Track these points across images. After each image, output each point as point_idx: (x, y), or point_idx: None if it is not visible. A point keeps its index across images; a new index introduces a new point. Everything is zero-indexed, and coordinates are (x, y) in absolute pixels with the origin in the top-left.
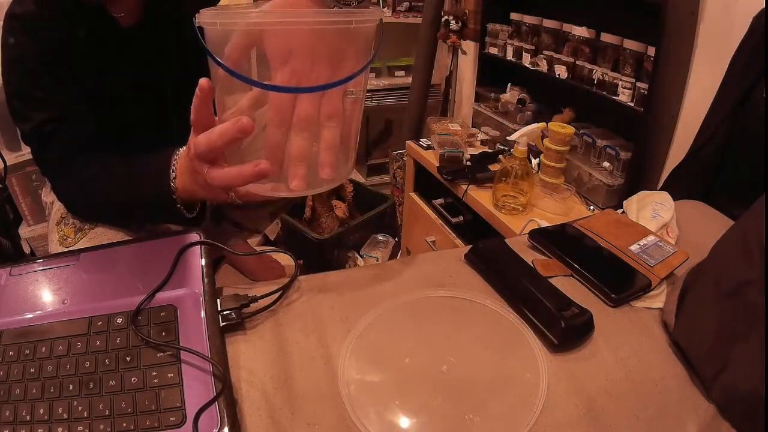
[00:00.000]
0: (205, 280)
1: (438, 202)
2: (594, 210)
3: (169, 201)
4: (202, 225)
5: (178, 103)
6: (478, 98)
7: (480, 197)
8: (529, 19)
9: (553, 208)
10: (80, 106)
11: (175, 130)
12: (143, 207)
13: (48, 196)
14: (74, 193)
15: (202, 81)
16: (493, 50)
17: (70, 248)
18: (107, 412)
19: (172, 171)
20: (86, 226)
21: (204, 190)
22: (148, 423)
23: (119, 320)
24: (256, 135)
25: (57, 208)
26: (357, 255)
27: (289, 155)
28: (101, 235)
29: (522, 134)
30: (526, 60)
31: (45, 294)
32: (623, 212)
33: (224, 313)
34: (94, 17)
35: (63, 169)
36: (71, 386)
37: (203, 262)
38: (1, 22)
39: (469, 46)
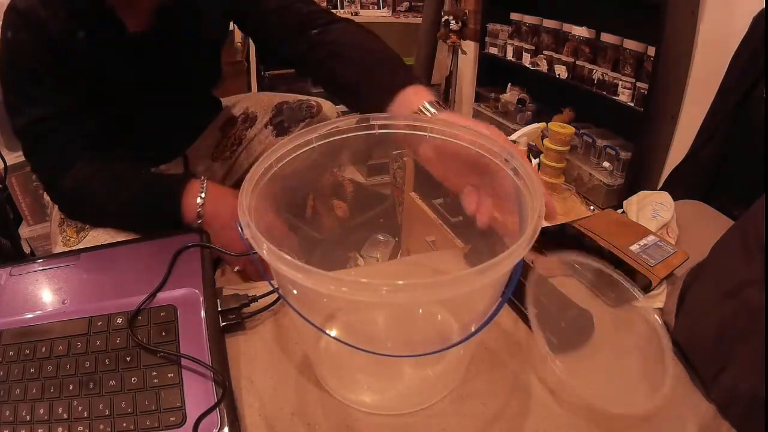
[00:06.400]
0: (205, 281)
1: (438, 202)
2: (594, 210)
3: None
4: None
5: (178, 106)
6: (478, 98)
7: None
8: (529, 19)
9: None
10: (78, 106)
11: (174, 132)
12: (148, 217)
13: None
14: (68, 192)
15: None
16: (493, 50)
17: (72, 248)
18: (107, 412)
19: (200, 199)
20: (87, 226)
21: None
22: (148, 423)
23: (119, 320)
24: None
25: (58, 210)
26: (358, 255)
27: None
28: (104, 233)
29: (522, 134)
30: (526, 60)
31: (45, 294)
32: (623, 212)
33: (224, 313)
34: (100, 20)
35: (57, 169)
36: (71, 386)
37: (203, 262)
38: (1, 15)
39: (469, 46)
